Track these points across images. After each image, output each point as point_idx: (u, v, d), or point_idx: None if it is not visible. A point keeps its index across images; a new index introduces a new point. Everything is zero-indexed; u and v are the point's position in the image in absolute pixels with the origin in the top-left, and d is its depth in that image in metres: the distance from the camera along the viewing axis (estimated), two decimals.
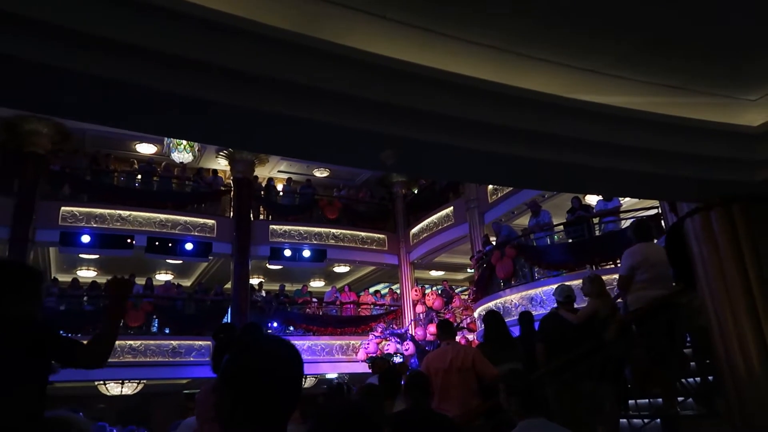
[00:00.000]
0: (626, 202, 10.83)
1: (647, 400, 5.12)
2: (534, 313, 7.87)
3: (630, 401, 5.04)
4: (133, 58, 2.09)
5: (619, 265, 6.40)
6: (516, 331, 6.32)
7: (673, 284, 4.91)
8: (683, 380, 4.89)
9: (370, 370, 11.00)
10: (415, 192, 17.64)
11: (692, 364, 5.09)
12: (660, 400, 4.95)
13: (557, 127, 3.00)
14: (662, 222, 8.48)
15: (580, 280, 5.83)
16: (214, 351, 3.45)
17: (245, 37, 2.22)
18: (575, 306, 5.32)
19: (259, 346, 1.24)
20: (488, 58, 2.78)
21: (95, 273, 15.85)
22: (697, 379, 4.87)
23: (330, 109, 2.48)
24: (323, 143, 2.88)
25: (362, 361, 14.13)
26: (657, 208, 8.89)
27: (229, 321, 13.82)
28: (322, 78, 2.39)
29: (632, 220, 8.58)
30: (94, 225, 13.40)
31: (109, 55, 2.05)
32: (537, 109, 2.93)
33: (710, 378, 4.57)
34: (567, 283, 6.30)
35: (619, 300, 5.49)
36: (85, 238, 13.18)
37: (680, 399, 4.84)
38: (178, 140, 13.57)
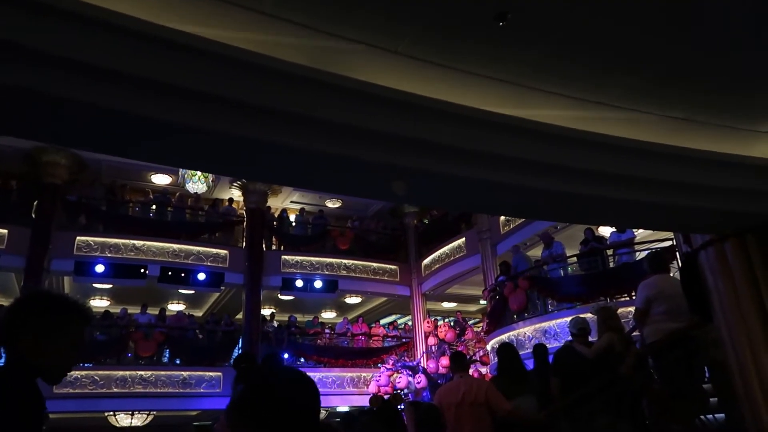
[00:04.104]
0: (640, 233, 10.74)
1: None
2: (548, 345, 7.76)
3: None
4: (150, 91, 2.14)
5: (634, 297, 6.32)
6: (530, 364, 6.22)
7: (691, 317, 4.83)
8: (703, 416, 4.77)
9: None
10: (427, 223, 17.62)
11: (712, 399, 4.97)
12: None
13: (569, 158, 3.01)
14: (677, 254, 8.39)
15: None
16: (236, 380, 3.40)
17: (260, 71, 2.27)
18: (590, 339, 5.24)
19: (278, 377, 1.24)
20: (499, 91, 2.82)
21: (108, 303, 15.91)
22: (717, 415, 4.75)
23: (341, 141, 2.52)
24: (334, 174, 2.91)
25: (380, 393, 13.94)
26: (671, 239, 8.80)
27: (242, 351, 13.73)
28: (332, 110, 2.43)
29: (647, 251, 8.49)
30: (109, 255, 13.50)
31: (125, 87, 2.11)
32: (549, 141, 2.95)
33: (730, 414, 4.45)
34: (582, 316, 6.22)
35: (635, 333, 5.40)
36: (99, 268, 13.28)
37: None
38: (192, 171, 13.74)
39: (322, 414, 14.78)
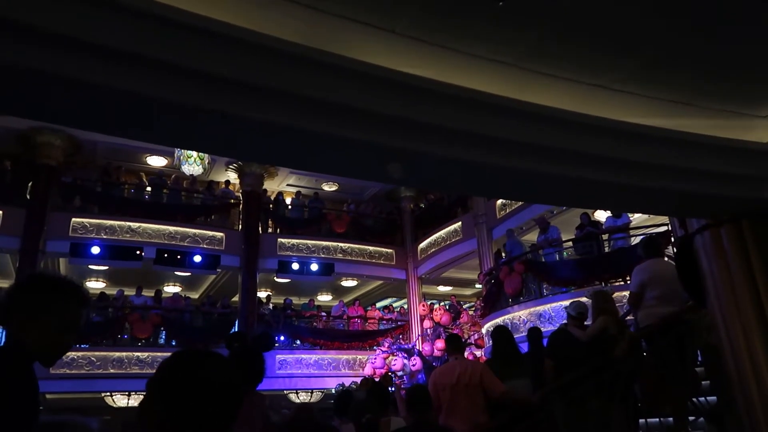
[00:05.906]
0: (636, 218, 10.77)
1: (657, 420, 5.04)
2: (543, 329, 7.80)
3: (640, 420, 4.97)
4: (148, 70, 2.11)
5: (629, 282, 6.35)
6: (524, 348, 6.26)
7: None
8: (694, 399, 4.82)
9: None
10: (423, 207, 17.64)
11: (704, 382, 5.02)
12: (671, 419, 4.88)
13: (566, 142, 2.99)
14: (672, 239, 8.42)
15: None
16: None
17: (254, 50, 2.24)
18: (586, 323, 5.27)
19: (202, 358, 1.24)
20: (497, 73, 2.79)
21: (104, 284, 15.93)
22: (709, 398, 4.80)
23: (337, 122, 2.49)
24: (331, 155, 2.89)
25: (368, 375, 14.04)
26: (667, 224, 8.82)
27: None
28: (329, 90, 2.40)
29: (642, 236, 8.52)
30: (104, 236, 13.48)
31: (122, 65, 2.08)
32: (546, 124, 2.93)
33: (721, 397, 4.50)
34: (582, 300, 6.24)
35: (629, 317, 5.43)
36: (95, 250, 13.27)
37: (691, 418, 4.77)
38: (188, 153, 13.67)
39: (319, 396, 14.90)
